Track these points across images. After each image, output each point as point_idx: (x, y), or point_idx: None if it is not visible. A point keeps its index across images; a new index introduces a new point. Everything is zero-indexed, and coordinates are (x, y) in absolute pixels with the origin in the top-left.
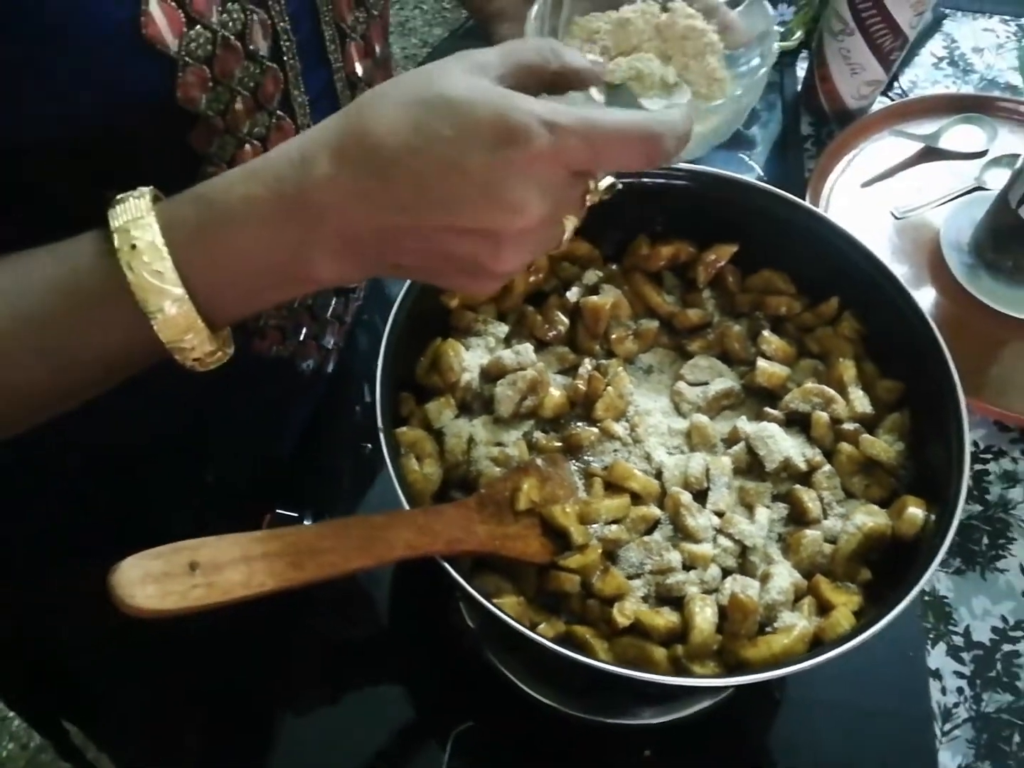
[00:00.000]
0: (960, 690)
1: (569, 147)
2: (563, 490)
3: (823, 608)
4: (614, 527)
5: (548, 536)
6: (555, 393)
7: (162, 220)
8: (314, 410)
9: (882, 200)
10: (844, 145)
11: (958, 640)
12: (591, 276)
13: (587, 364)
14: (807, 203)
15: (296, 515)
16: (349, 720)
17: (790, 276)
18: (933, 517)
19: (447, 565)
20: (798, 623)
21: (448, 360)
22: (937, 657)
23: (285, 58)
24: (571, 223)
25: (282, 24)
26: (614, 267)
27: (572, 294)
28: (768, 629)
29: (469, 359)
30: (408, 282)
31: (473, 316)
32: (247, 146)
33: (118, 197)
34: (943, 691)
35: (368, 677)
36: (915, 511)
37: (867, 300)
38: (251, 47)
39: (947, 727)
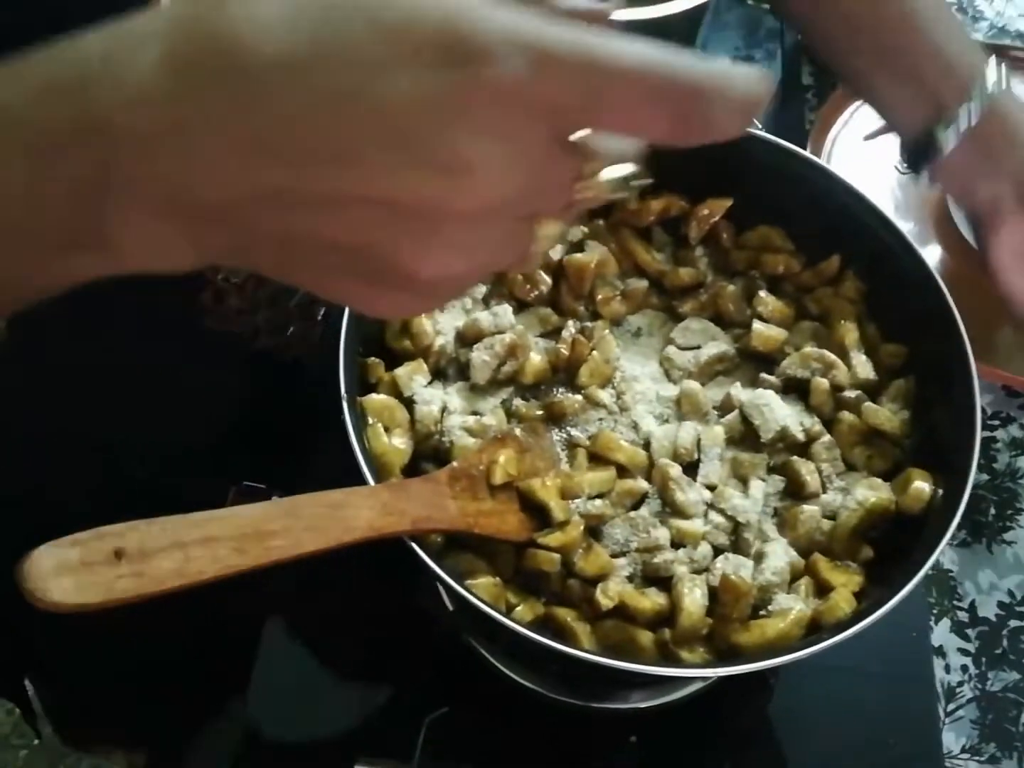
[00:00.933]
0: (964, 668)
1: (555, 86)
2: (543, 462)
3: (821, 589)
4: (598, 502)
5: (527, 512)
6: (536, 358)
7: None
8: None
9: (886, 154)
10: (847, 96)
11: (963, 616)
12: (575, 232)
13: (571, 326)
14: (807, 153)
15: (263, 487)
16: (316, 704)
17: (788, 232)
18: (940, 491)
19: (415, 546)
20: (794, 606)
21: (420, 322)
22: (941, 634)
23: None
24: (551, 230)
25: None
26: (600, 222)
27: (555, 251)
28: (762, 612)
29: (443, 321)
30: None
31: None
32: None
33: None
34: (947, 669)
35: (336, 658)
36: (921, 485)
37: (870, 258)
38: None
39: (951, 707)
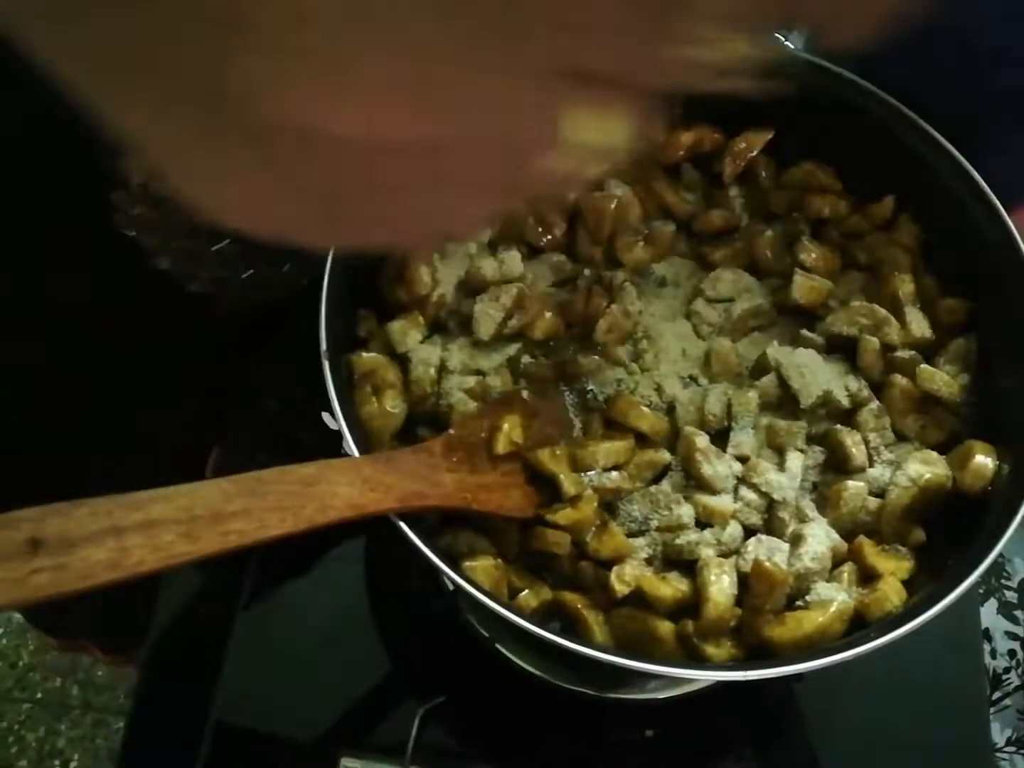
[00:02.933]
0: (1012, 653)
1: None
2: (553, 428)
3: (867, 577)
4: (614, 474)
5: (533, 485)
6: (547, 311)
7: None
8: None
9: None
10: None
11: (1011, 596)
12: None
13: (587, 276)
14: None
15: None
16: (294, 693)
17: (835, 170)
18: (1006, 467)
19: (404, 525)
20: (836, 597)
21: (417, 270)
22: (987, 615)
23: None
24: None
25: None
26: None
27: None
28: (798, 603)
29: (443, 269)
30: None
31: None
32: None
33: None
34: (992, 654)
35: (317, 641)
36: (983, 460)
37: (929, 200)
38: None
39: (996, 695)
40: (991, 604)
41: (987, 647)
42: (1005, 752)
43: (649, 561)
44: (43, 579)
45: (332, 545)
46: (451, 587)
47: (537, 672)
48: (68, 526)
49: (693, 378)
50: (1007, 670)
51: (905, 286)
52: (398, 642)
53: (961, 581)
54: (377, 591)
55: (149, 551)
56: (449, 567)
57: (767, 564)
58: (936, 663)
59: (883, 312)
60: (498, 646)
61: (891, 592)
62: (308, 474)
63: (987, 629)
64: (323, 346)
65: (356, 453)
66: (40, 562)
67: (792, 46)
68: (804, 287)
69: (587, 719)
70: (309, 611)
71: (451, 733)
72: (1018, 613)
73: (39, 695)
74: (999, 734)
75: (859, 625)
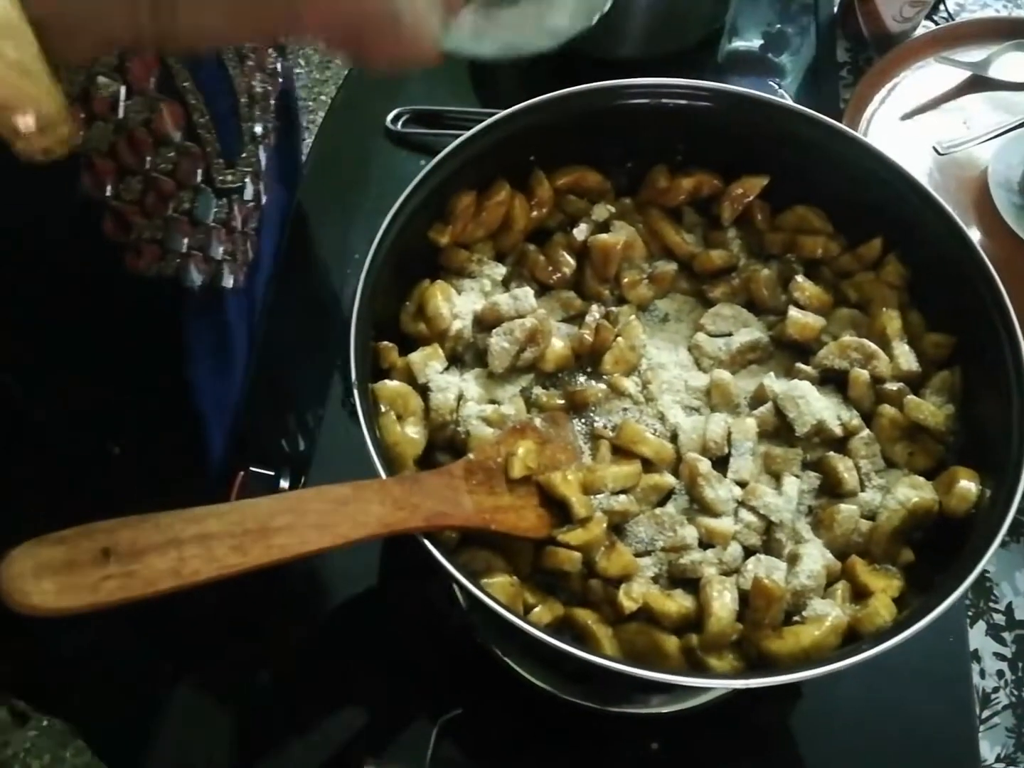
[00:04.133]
0: (1000, 673)
1: None
2: (565, 455)
3: (859, 594)
4: (622, 497)
5: (546, 507)
6: (558, 344)
7: None
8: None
9: (924, 134)
10: (884, 73)
11: (999, 619)
12: (601, 211)
13: (595, 311)
14: (848, 128)
15: (272, 473)
16: (321, 703)
17: (827, 213)
18: (988, 492)
19: (428, 543)
20: (830, 612)
21: (436, 305)
22: (976, 637)
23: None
24: None
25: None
26: (628, 201)
27: (580, 231)
28: (796, 618)
29: (461, 304)
30: (392, 212)
31: (467, 255)
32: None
33: None
34: (982, 674)
35: (347, 655)
36: (967, 484)
37: (915, 241)
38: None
39: (985, 714)
40: (980, 626)
41: (977, 667)
42: None
43: (655, 579)
44: (114, 585)
45: (353, 563)
46: (466, 605)
47: (547, 687)
48: (135, 537)
49: (695, 408)
50: (996, 690)
51: (893, 322)
52: (418, 657)
53: (947, 596)
54: (394, 608)
55: (205, 561)
56: (471, 582)
57: (766, 581)
58: (927, 683)
59: (872, 347)
60: (510, 662)
61: (882, 608)
62: (343, 494)
63: (976, 650)
64: (353, 376)
65: (384, 475)
66: (110, 569)
67: (785, 94)
68: (798, 323)
69: (595, 732)
70: (332, 624)
71: (466, 744)
72: (1006, 635)
73: (44, 723)
74: (989, 751)
75: (852, 639)
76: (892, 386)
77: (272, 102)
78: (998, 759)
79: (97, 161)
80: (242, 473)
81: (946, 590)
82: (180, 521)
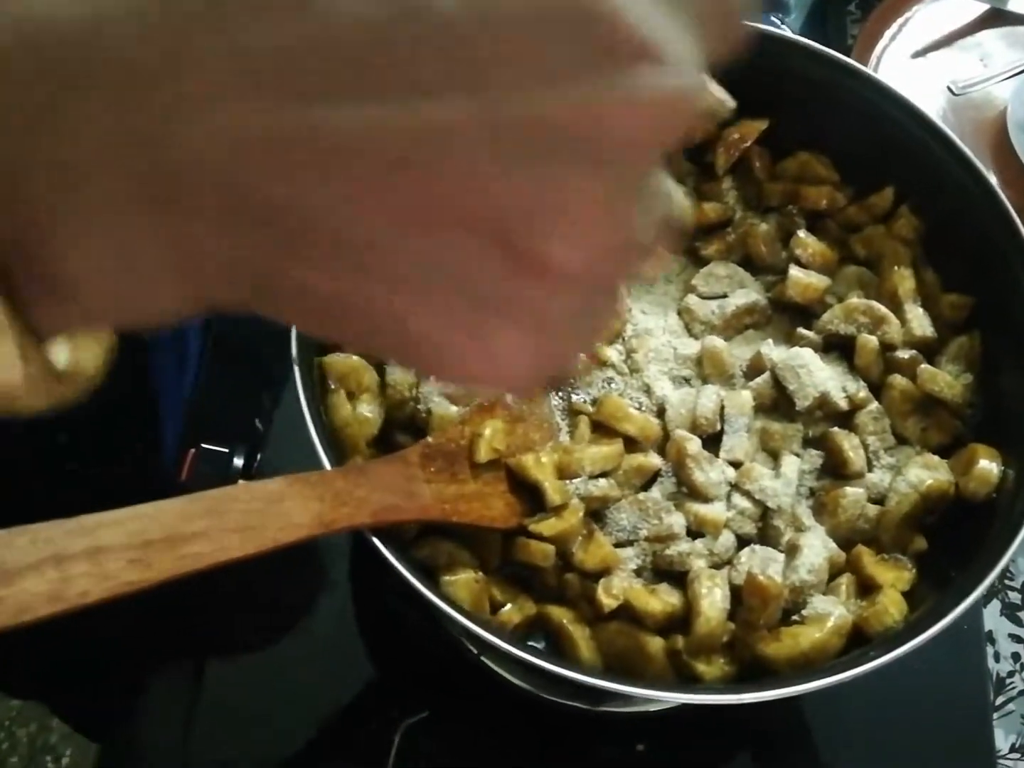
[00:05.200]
0: (1016, 656)
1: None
2: (539, 433)
3: (866, 588)
4: (601, 482)
5: (517, 493)
6: None
7: None
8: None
9: (938, 73)
10: (895, 7)
11: (1015, 598)
12: None
13: None
14: (856, 63)
15: (226, 451)
16: (271, 706)
17: (832, 160)
18: (1012, 472)
19: (376, 541)
20: (833, 611)
21: None
22: (989, 617)
23: None
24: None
25: None
26: None
27: None
28: (795, 617)
29: None
30: None
31: None
32: None
33: None
34: (996, 657)
35: (295, 653)
36: (988, 465)
37: (930, 191)
38: None
39: (999, 700)
40: (994, 606)
41: (990, 650)
42: (1009, 759)
43: (638, 572)
44: None
45: (317, 555)
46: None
47: (524, 685)
48: (4, 556)
49: (684, 378)
50: (1011, 674)
51: (905, 282)
52: (381, 654)
53: (965, 596)
54: (360, 602)
55: (95, 580)
56: (425, 585)
57: (761, 578)
58: (938, 667)
59: (882, 309)
60: (483, 659)
61: (891, 605)
62: (274, 490)
63: (990, 632)
64: (293, 351)
65: (327, 464)
66: None
67: (788, 30)
68: (800, 283)
69: (576, 733)
70: (290, 622)
71: (436, 748)
72: (1022, 615)
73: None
74: (1003, 740)
75: (858, 640)
76: (904, 354)
77: None
78: (1012, 748)
79: None
80: (193, 450)
81: (964, 589)
82: (64, 533)
